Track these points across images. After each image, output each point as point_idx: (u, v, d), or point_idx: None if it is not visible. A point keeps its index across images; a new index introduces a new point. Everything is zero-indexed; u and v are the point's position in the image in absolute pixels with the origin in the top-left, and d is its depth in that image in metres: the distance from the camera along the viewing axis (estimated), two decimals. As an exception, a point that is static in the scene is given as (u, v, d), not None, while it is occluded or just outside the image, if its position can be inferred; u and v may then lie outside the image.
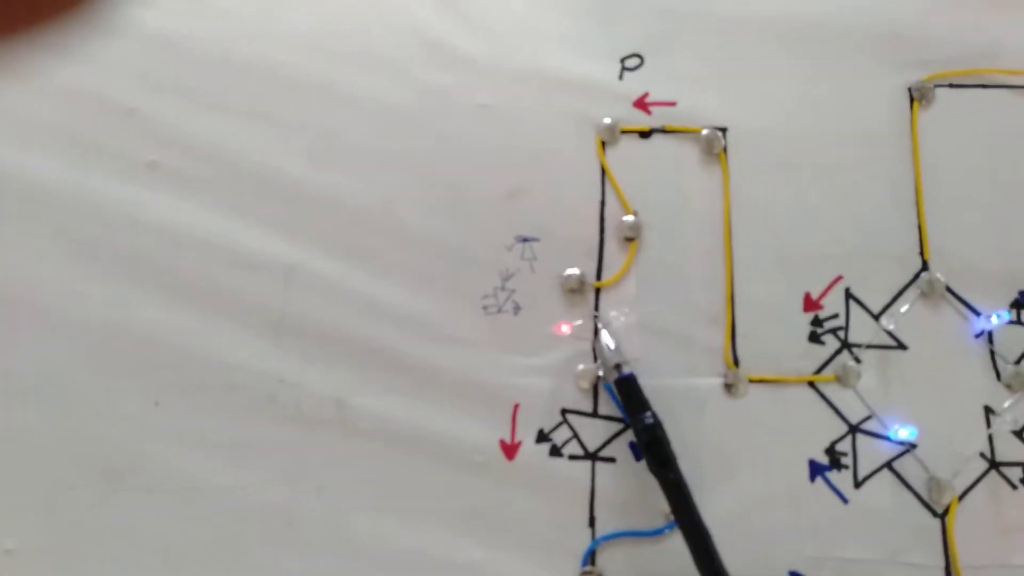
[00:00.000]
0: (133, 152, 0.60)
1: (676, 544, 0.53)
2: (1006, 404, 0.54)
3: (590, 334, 0.57)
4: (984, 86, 0.60)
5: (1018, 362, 0.55)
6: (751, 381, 0.56)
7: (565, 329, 0.57)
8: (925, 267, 0.57)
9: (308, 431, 0.56)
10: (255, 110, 0.61)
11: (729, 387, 0.56)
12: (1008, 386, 0.55)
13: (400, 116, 0.61)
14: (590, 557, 0.53)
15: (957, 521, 0.53)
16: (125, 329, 0.57)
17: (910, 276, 0.57)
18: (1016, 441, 0.54)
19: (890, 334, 0.56)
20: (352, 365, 0.56)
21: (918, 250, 0.57)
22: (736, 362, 0.56)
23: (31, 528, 0.54)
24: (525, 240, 0.59)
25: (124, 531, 0.54)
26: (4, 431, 0.55)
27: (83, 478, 0.54)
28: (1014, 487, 0.53)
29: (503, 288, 0.58)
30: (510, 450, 0.55)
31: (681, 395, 0.56)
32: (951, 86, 0.60)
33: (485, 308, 0.58)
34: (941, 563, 0.52)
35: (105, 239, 0.58)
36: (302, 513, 0.54)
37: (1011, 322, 0.56)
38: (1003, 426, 0.54)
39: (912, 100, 0.60)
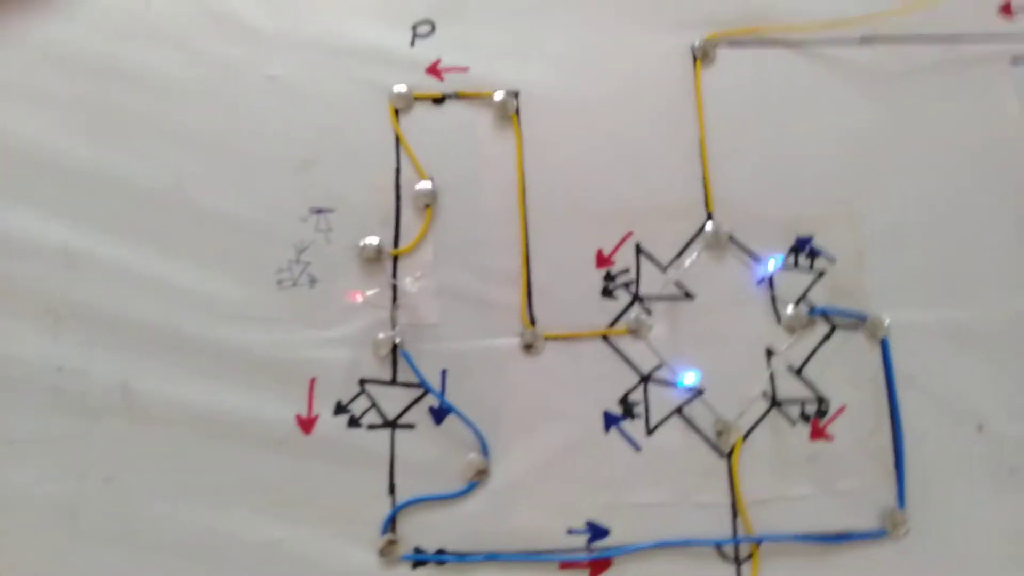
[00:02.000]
0: None
1: (476, 505, 0.54)
2: (784, 346, 0.57)
3: (388, 302, 0.57)
4: (761, 44, 0.62)
5: (796, 304, 0.58)
6: (547, 338, 0.57)
7: (359, 298, 0.56)
8: (710, 218, 0.59)
9: (93, 420, 0.53)
10: (30, 87, 0.58)
11: (527, 346, 0.56)
12: (788, 328, 0.57)
13: (186, 91, 0.59)
14: (390, 525, 0.53)
15: (742, 460, 0.55)
16: None
17: (696, 228, 0.59)
18: (794, 379, 0.57)
19: (677, 285, 0.58)
20: (139, 349, 0.54)
21: (703, 202, 0.59)
22: (532, 321, 0.57)
23: None
24: (319, 211, 0.58)
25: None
26: None
27: None
28: (793, 423, 0.56)
29: (298, 261, 0.57)
30: (307, 424, 0.54)
31: (480, 357, 0.56)
32: (731, 45, 0.62)
33: (280, 283, 0.57)
34: (728, 500, 0.54)
35: None
36: (87, 505, 0.52)
37: (789, 267, 0.58)
38: (782, 366, 0.57)
39: (695, 59, 0.62)
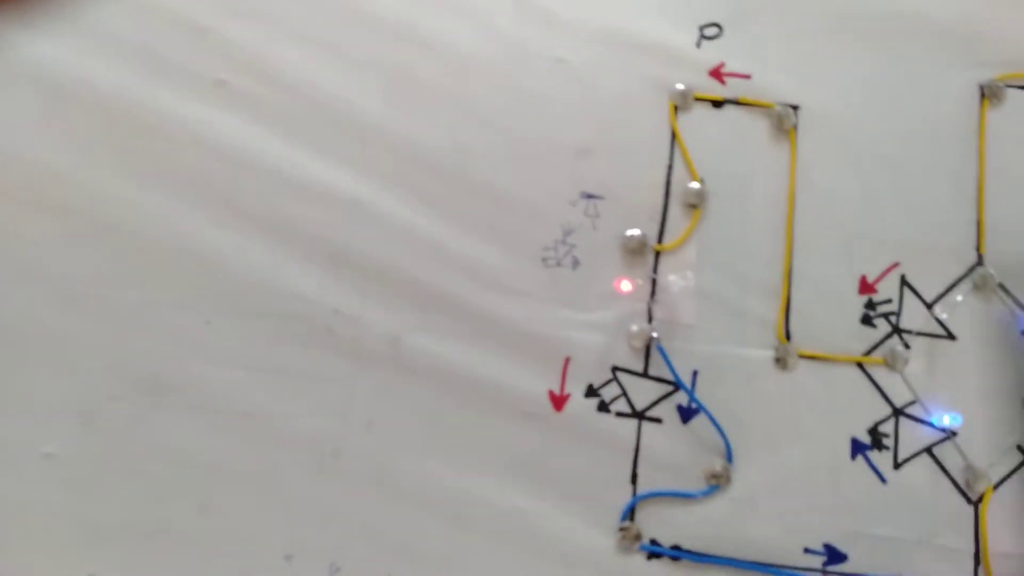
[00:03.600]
0: (203, 70, 0.60)
1: (714, 508, 0.54)
2: (1047, 401, 0.56)
3: (647, 295, 0.58)
4: (1054, 90, 0.61)
5: (1062, 362, 0.56)
6: (801, 356, 0.57)
7: (626, 285, 0.57)
8: (980, 262, 0.58)
9: (362, 365, 0.56)
10: (333, 43, 0.60)
11: (779, 360, 0.56)
12: (1050, 384, 0.56)
13: (478, 64, 0.61)
14: (630, 513, 0.54)
15: (990, 509, 0.54)
16: (183, 247, 0.56)
17: (965, 269, 0.58)
18: (1053, 437, 0.55)
19: (941, 323, 0.57)
20: (410, 304, 0.56)
21: (975, 245, 0.58)
22: (788, 336, 0.57)
23: (70, 435, 0.53)
24: (590, 197, 0.59)
25: (162, 447, 0.53)
26: (53, 337, 0.54)
27: (126, 390, 0.54)
28: (1048, 481, 0.55)
29: (564, 242, 0.58)
30: (559, 401, 0.56)
31: (731, 364, 0.56)
32: (1023, 87, 0.61)
33: (544, 260, 0.58)
34: (971, 548, 0.54)
35: (169, 155, 0.58)
36: (348, 446, 0.54)
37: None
38: (1042, 421, 0.55)
39: (982, 97, 0.60)
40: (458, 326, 0.56)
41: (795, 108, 0.60)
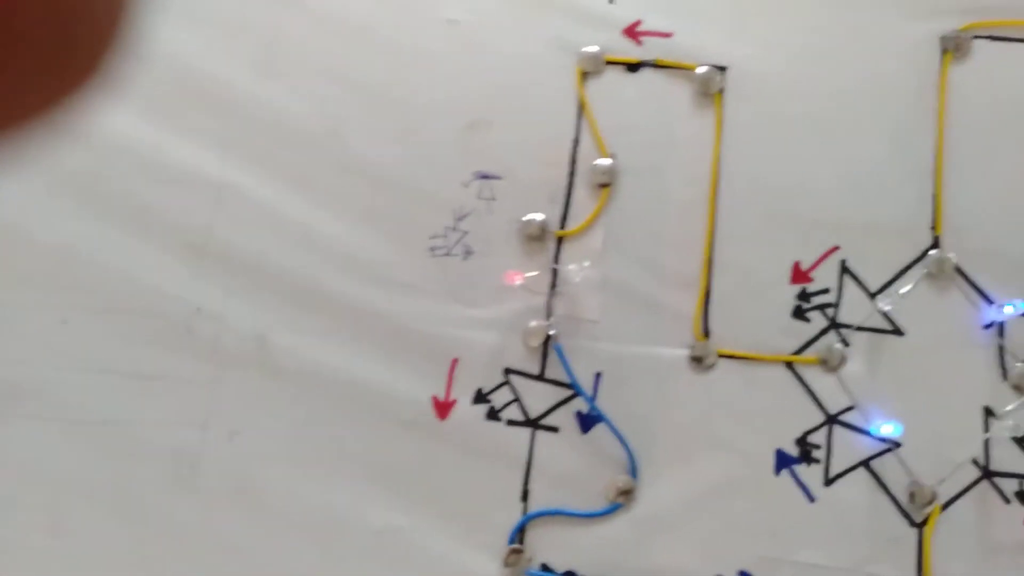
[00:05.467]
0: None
1: (616, 529, 0.48)
2: (1010, 407, 0.47)
3: (546, 288, 0.51)
4: (1030, 41, 0.51)
5: (1030, 361, 0.48)
6: (721, 355, 0.49)
7: (518, 280, 0.50)
8: (936, 244, 0.50)
9: (225, 368, 0.50)
10: (195, 4, 0.54)
11: (696, 360, 0.49)
12: (1016, 387, 0.48)
13: (354, 26, 0.54)
14: (519, 534, 0.48)
15: (937, 533, 0.47)
16: (33, 236, 0.51)
17: (917, 253, 0.50)
18: (1016, 449, 0.47)
19: (886, 316, 0.49)
20: (279, 300, 0.51)
21: (930, 224, 0.50)
22: (707, 333, 0.50)
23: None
24: (485, 177, 0.52)
25: (12, 460, 0.49)
26: None
27: (-24, 397, 0.50)
28: (1007, 501, 0.47)
29: (455, 229, 0.52)
30: (443, 408, 0.50)
31: (641, 365, 0.50)
32: (992, 38, 0.52)
33: (432, 250, 0.52)
34: (913, 578, 0.46)
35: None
36: (209, 457, 0.49)
37: (1028, 315, 0.49)
38: (1003, 431, 0.47)
39: (943, 52, 0.52)
40: (332, 324, 0.50)
41: (722, 70, 0.52)
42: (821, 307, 0.50)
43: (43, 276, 0.51)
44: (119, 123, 0.52)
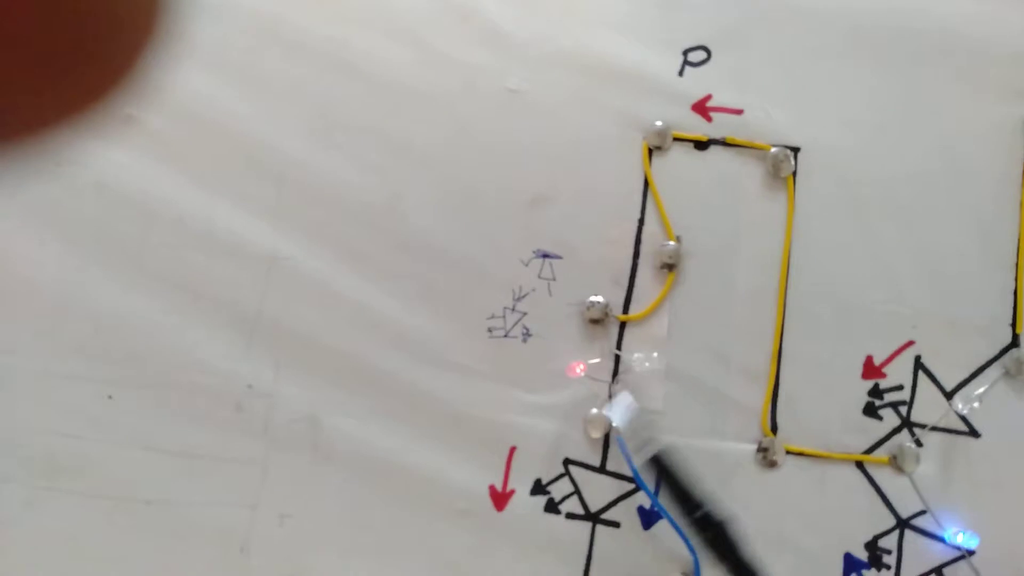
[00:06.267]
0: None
1: (678, 630, 0.47)
2: (1090, 518, 0.46)
3: (608, 375, 0.49)
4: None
5: (1111, 469, 0.46)
6: (789, 452, 0.48)
7: (579, 371, 0.49)
8: (1015, 342, 0.48)
9: (276, 449, 0.49)
10: (248, 70, 0.52)
11: (763, 456, 0.48)
12: (1095, 496, 0.46)
13: (416, 94, 0.52)
14: (578, 633, 0.47)
15: (1011, 648, 0.45)
16: (82, 307, 0.50)
17: (996, 351, 0.48)
18: (1096, 564, 0.46)
19: (962, 417, 0.48)
20: (331, 378, 0.49)
21: (1010, 321, 0.48)
22: (774, 429, 0.48)
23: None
24: (545, 256, 0.50)
25: (54, 535, 0.48)
26: (-61, 408, 0.49)
27: (17, 471, 0.49)
28: (1085, 618, 0.45)
29: (513, 309, 0.50)
30: (500, 499, 0.48)
31: (706, 459, 0.48)
32: (1080, 126, 0.50)
33: (490, 331, 0.50)
34: None
35: (66, 200, 0.51)
36: (258, 541, 0.48)
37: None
38: (1083, 544, 0.46)
39: (1028, 137, 0.50)
40: (384, 405, 0.49)
41: (795, 151, 0.50)
42: (894, 404, 0.48)
43: (91, 348, 0.50)
44: (169, 191, 0.51)
